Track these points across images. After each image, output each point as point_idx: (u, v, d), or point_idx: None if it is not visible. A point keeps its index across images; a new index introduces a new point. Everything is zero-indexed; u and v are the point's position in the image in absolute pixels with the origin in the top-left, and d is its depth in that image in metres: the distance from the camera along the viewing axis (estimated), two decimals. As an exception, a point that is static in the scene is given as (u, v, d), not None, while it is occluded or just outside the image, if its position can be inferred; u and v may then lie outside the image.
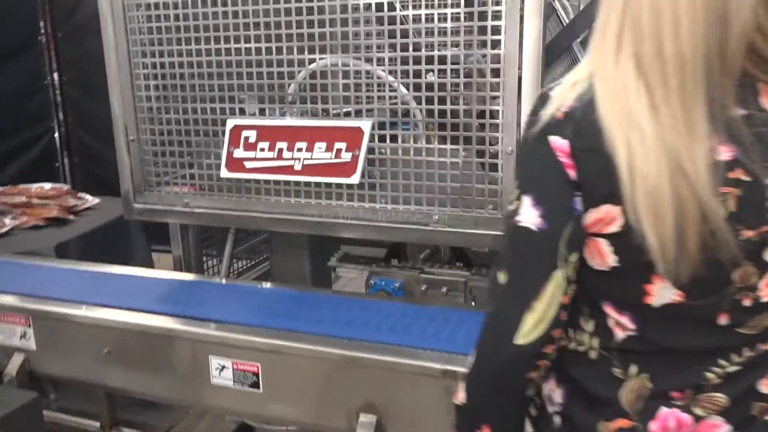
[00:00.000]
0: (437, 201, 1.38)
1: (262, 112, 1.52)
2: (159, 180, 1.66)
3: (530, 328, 0.78)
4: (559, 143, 0.76)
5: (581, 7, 1.67)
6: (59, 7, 4.48)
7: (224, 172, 1.55)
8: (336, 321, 1.37)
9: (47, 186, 3.44)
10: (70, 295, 1.58)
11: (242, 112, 1.53)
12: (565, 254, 0.77)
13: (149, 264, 3.47)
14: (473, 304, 1.76)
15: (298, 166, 1.47)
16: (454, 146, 1.33)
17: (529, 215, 0.78)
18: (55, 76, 4.53)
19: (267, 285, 1.69)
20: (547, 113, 0.77)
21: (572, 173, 0.75)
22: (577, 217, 0.76)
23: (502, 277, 0.80)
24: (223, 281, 1.78)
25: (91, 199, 3.40)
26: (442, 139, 1.36)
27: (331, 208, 1.47)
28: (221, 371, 1.35)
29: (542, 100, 0.80)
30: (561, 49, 1.53)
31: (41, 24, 4.46)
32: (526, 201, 0.78)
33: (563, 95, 0.77)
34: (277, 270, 1.95)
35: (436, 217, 1.38)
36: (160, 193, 1.66)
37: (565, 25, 1.64)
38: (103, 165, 4.65)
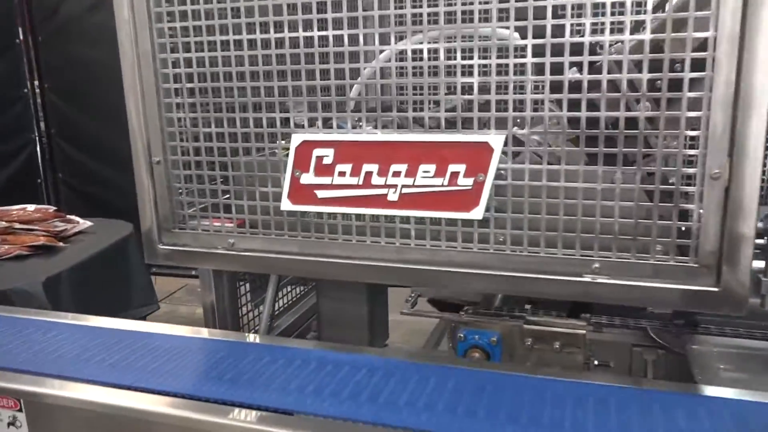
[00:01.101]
0: (598, 243, 1.00)
1: (326, 123, 1.13)
2: (193, 213, 1.25)
3: None
4: None
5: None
6: (38, 6, 4.04)
7: (286, 204, 1.15)
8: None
9: (31, 208, 2.99)
10: (71, 368, 1.16)
11: (309, 124, 1.13)
12: None
13: (150, 291, 3.05)
14: (596, 363, 1.38)
15: (393, 196, 1.08)
16: (628, 168, 0.95)
17: None
18: (36, 83, 4.08)
19: (339, 350, 1.29)
20: None
21: None
22: None
23: None
24: (276, 343, 1.38)
25: (81, 222, 2.96)
26: (594, 157, 0.98)
27: (440, 253, 1.09)
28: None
29: None
30: None
31: (18, 26, 4.01)
32: None
33: None
34: (326, 318, 1.55)
35: (597, 266, 1.00)
36: (194, 232, 1.25)
37: None
38: (90, 181, 4.21)
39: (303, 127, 1.12)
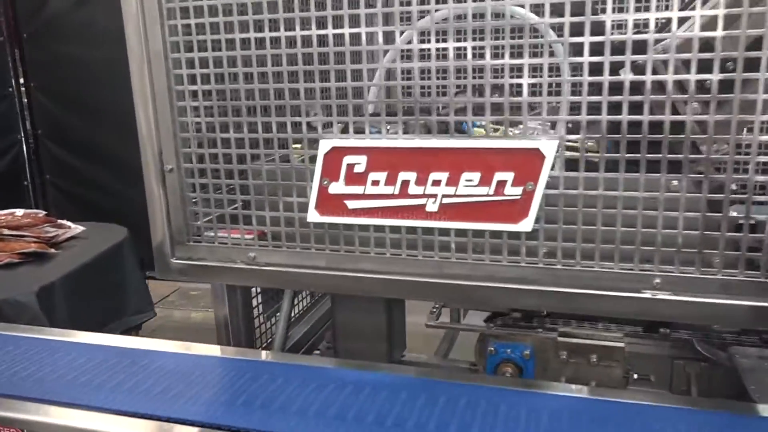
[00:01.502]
0: (658, 257, 0.92)
1: (345, 129, 1.04)
2: (209, 225, 1.16)
3: None
4: None
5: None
6: (22, 2, 3.89)
7: (313, 215, 1.06)
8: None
9: (19, 212, 2.86)
10: (78, 394, 1.07)
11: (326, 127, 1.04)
12: None
13: (146, 298, 2.94)
14: (634, 377, 1.31)
15: (432, 207, 1.00)
16: (694, 175, 0.88)
17: None
18: (21, 81, 3.93)
19: (360, 368, 1.20)
20: None
21: None
22: None
23: None
24: (293, 361, 1.29)
25: (73, 227, 2.84)
26: (655, 164, 0.90)
27: (483, 267, 1.00)
28: None
29: None
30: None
31: (2, 22, 3.86)
32: None
33: None
34: (343, 330, 1.46)
35: (658, 281, 0.93)
36: (211, 245, 1.16)
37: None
38: (79, 183, 4.07)
39: (331, 132, 1.04)
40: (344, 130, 1.04)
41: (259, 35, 1.01)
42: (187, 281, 1.21)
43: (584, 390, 1.00)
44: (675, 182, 0.90)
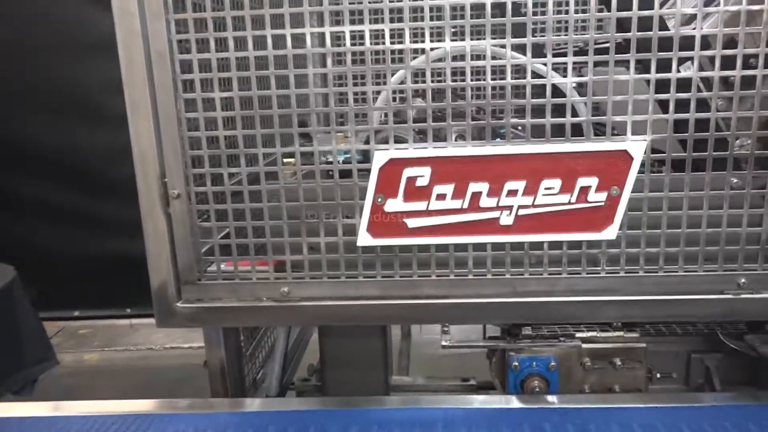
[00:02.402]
0: (742, 257, 0.91)
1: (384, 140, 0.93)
2: (226, 258, 0.97)
3: None
4: None
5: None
6: None
7: (364, 238, 0.93)
8: None
9: None
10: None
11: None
12: None
13: (45, 345, 2.52)
14: (658, 376, 1.31)
15: (507, 219, 0.91)
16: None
17: None
18: None
19: (408, 404, 1.08)
20: None
21: None
22: None
23: None
24: (334, 406, 1.12)
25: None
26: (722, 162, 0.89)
27: (561, 281, 0.93)
28: None
29: None
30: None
31: None
32: None
33: None
34: (334, 361, 1.32)
35: (743, 281, 0.91)
36: (230, 282, 0.98)
37: None
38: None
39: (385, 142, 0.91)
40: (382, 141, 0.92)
41: (297, 31, 0.86)
42: (195, 327, 1.01)
43: (654, 397, 0.97)
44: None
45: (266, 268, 0.97)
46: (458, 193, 0.90)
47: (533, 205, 0.90)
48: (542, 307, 0.94)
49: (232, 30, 0.87)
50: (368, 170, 0.90)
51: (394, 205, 0.91)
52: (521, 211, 0.90)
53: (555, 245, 0.92)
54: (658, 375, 1.30)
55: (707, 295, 0.91)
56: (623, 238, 0.91)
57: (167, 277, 0.97)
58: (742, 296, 0.91)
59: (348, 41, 0.86)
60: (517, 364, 1.29)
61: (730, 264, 0.91)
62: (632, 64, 0.84)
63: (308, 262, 0.96)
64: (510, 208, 0.90)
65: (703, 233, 0.90)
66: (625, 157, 0.87)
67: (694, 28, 0.83)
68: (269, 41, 0.86)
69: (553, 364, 1.29)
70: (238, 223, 0.95)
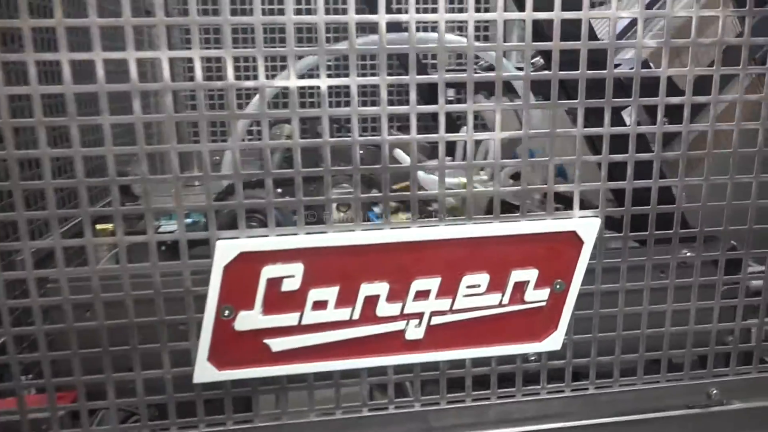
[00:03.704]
0: (712, 359, 0.70)
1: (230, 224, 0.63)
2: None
3: None
4: None
5: None
6: None
7: (203, 371, 0.61)
8: None
9: None
10: None
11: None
12: None
13: None
14: None
15: (416, 332, 0.63)
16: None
17: None
18: None
19: None
20: None
21: None
22: None
23: None
24: None
25: None
26: None
27: (491, 411, 0.67)
28: None
29: None
30: None
31: None
32: None
33: None
34: None
35: (714, 390, 0.70)
36: None
37: None
38: None
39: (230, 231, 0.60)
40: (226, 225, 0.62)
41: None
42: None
43: None
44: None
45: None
46: (345, 299, 0.61)
47: (451, 311, 0.63)
48: (465, 451, 0.67)
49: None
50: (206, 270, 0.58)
51: (249, 320, 0.60)
52: (435, 320, 0.63)
53: (481, 362, 0.66)
54: None
55: (672, 411, 0.70)
56: (570, 347, 0.67)
57: None
58: (713, 410, 0.71)
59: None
60: None
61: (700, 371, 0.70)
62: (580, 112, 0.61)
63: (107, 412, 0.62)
64: (419, 315, 0.63)
65: (667, 332, 0.68)
66: (573, 240, 0.63)
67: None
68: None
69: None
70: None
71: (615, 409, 0.69)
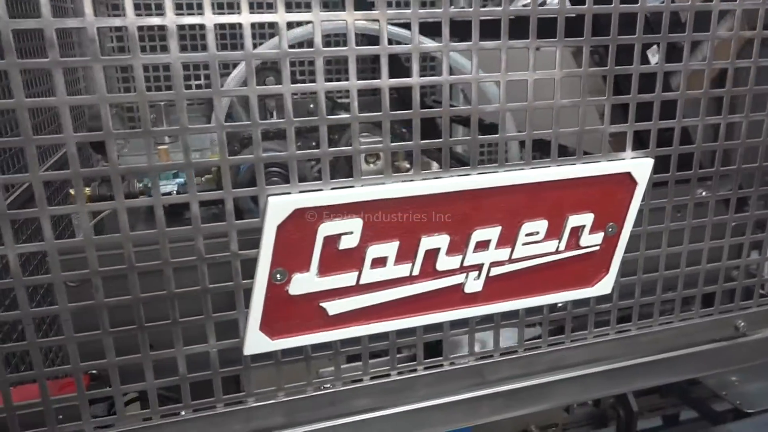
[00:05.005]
0: (739, 294, 0.72)
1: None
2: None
3: None
4: None
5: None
6: None
7: (256, 343, 0.55)
8: None
9: None
10: None
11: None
12: None
13: None
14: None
15: (475, 284, 0.60)
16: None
17: None
18: None
19: None
20: None
21: None
22: None
23: None
24: None
25: None
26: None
27: (541, 359, 0.66)
28: None
29: None
30: None
31: None
32: None
33: None
34: None
35: (741, 323, 0.73)
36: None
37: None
38: None
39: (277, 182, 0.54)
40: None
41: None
42: None
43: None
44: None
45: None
46: (405, 254, 0.57)
47: (510, 260, 0.61)
48: (514, 396, 0.66)
49: None
50: (257, 229, 0.52)
51: (304, 283, 0.55)
52: (494, 271, 0.60)
53: (533, 312, 0.65)
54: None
55: (706, 346, 0.72)
56: (616, 290, 0.67)
57: None
58: (740, 341, 0.73)
59: None
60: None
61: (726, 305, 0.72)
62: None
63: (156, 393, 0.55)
64: (479, 267, 0.60)
65: (703, 269, 0.69)
66: (627, 182, 0.62)
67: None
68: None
69: None
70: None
71: (655, 347, 0.70)
